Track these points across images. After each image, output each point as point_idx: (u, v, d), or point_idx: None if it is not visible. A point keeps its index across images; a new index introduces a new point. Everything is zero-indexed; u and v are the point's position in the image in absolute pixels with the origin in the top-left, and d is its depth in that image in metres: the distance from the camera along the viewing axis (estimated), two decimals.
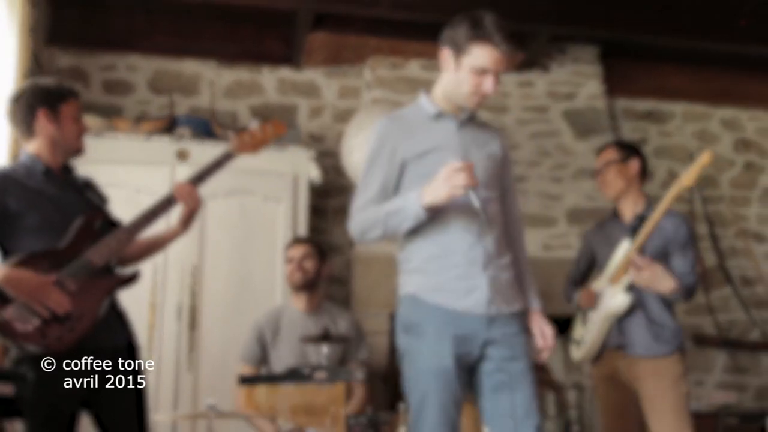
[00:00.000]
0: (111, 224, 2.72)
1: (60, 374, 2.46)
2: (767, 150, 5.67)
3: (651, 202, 3.28)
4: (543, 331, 2.49)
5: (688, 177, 2.94)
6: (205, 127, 4.38)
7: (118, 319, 2.70)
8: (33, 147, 2.66)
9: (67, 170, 2.74)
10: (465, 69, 2.35)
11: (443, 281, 2.33)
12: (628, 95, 5.47)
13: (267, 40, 4.84)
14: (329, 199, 4.77)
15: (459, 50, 2.35)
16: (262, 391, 3.18)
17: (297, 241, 3.87)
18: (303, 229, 4.27)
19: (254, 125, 3.04)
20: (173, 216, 2.96)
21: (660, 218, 3.04)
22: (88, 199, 2.72)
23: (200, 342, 4.06)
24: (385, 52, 4.83)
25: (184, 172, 4.18)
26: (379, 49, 4.82)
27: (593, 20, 4.70)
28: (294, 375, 3.19)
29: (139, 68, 4.72)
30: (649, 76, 5.48)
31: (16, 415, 2.98)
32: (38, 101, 2.63)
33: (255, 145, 2.95)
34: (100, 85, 4.67)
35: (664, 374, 3.08)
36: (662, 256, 3.15)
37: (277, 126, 3.01)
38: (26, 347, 2.43)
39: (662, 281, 3.06)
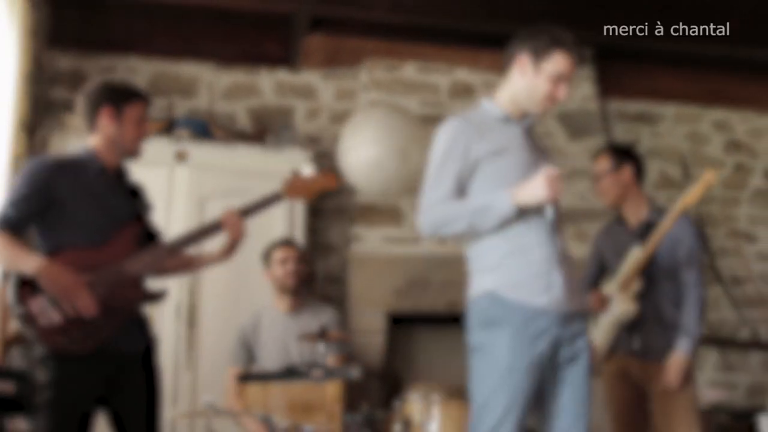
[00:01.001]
0: (150, 235, 2.75)
1: (77, 376, 2.48)
2: (757, 151, 5.74)
3: (653, 205, 3.35)
4: None
5: (691, 196, 3.05)
6: (203, 129, 4.44)
7: (138, 325, 2.71)
8: (92, 142, 2.67)
9: (120, 173, 2.75)
10: (543, 75, 2.45)
11: (523, 278, 2.39)
12: (621, 97, 5.53)
13: (265, 42, 4.89)
14: (326, 199, 4.82)
15: (539, 57, 2.44)
16: (257, 389, 3.23)
17: (287, 243, 3.90)
18: (300, 230, 4.33)
19: (307, 170, 3.05)
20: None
21: (667, 231, 3.12)
22: (134, 206, 2.74)
23: (199, 340, 4.12)
24: (381, 54, 4.88)
25: (183, 173, 4.25)
26: (375, 52, 4.87)
27: (587, 23, 4.76)
28: (291, 373, 3.24)
29: (139, 70, 4.76)
30: (642, 78, 5.54)
31: (16, 412, 3.04)
32: (103, 98, 2.64)
33: (305, 191, 2.95)
34: None
35: (681, 375, 3.11)
36: (673, 264, 3.21)
37: (329, 178, 3.01)
38: (44, 343, 2.44)
39: (685, 367, 3.11)
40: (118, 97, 2.66)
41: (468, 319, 2.46)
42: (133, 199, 2.77)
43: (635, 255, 3.22)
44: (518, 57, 2.49)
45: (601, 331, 3.34)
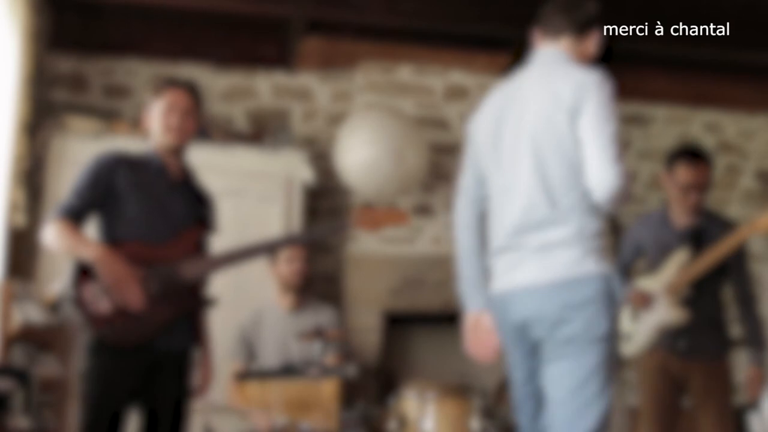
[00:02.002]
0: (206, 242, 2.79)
1: (113, 368, 2.54)
2: (747, 152, 5.81)
3: (701, 209, 3.37)
4: None
5: (761, 224, 3.05)
6: (201, 130, 4.48)
7: (185, 325, 2.74)
8: (151, 141, 2.75)
9: (186, 176, 2.80)
10: (592, 47, 2.44)
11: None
12: (613, 98, 5.57)
13: (262, 45, 4.94)
14: (322, 200, 4.87)
15: (600, 32, 2.43)
16: (255, 386, 3.29)
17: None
18: (297, 229, 4.38)
19: (381, 206, 3.05)
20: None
21: (728, 253, 3.12)
22: (197, 211, 2.78)
23: None
24: (376, 56, 4.93)
25: None
26: (370, 54, 4.93)
27: None
28: (287, 370, 3.30)
29: (137, 72, 4.81)
30: (634, 79, 5.59)
31: (16, 409, 3.07)
32: (150, 96, 2.72)
33: (374, 223, 2.96)
34: (99, 89, 4.76)
35: (717, 375, 3.27)
36: (721, 272, 3.27)
37: (400, 216, 3.01)
38: (89, 329, 2.50)
39: (763, 377, 3.28)
40: (153, 96, 2.73)
41: (597, 300, 2.19)
42: (198, 204, 2.82)
43: (682, 259, 3.27)
44: (597, 28, 2.42)
45: (645, 331, 3.38)
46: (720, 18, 4.68)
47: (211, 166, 4.32)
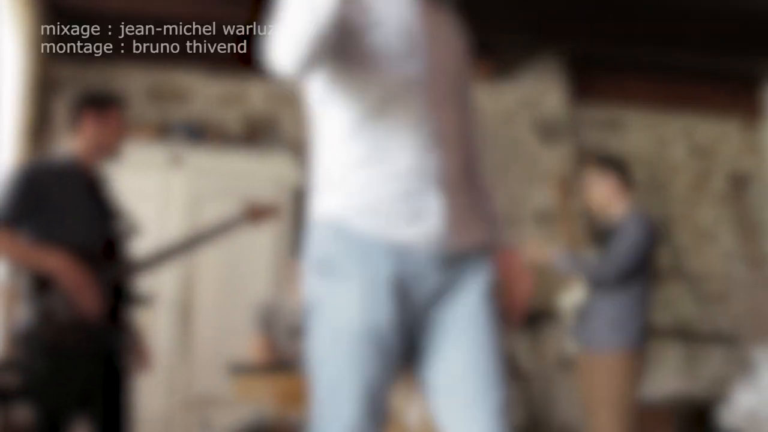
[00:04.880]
0: (119, 242, 2.84)
1: (69, 372, 2.54)
2: (719, 156, 5.95)
3: (627, 211, 3.49)
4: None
5: None
6: (197, 134, 4.65)
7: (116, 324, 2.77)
8: (74, 145, 2.76)
9: (98, 177, 2.83)
10: None
11: (378, 199, 1.61)
12: (591, 103, 5.70)
13: (255, 51, 5.06)
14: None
15: None
16: (247, 380, 3.41)
17: None
18: (287, 230, 4.53)
19: (265, 199, 3.27)
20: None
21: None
22: (112, 212, 2.83)
23: (194, 334, 4.31)
24: None
25: (178, 178, 4.45)
26: None
27: (559, 32, 4.98)
28: (280, 365, 3.44)
29: (135, 78, 4.93)
30: (611, 85, 5.73)
31: (21, 404, 3.14)
32: (88, 102, 2.77)
33: (257, 217, 3.15)
34: None
35: (600, 369, 3.31)
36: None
37: (273, 211, 3.25)
38: (52, 339, 2.51)
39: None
40: (101, 102, 2.79)
41: (305, 259, 1.69)
42: (110, 204, 2.85)
43: None
44: None
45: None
46: (695, 24, 4.82)
47: (208, 168, 4.50)
